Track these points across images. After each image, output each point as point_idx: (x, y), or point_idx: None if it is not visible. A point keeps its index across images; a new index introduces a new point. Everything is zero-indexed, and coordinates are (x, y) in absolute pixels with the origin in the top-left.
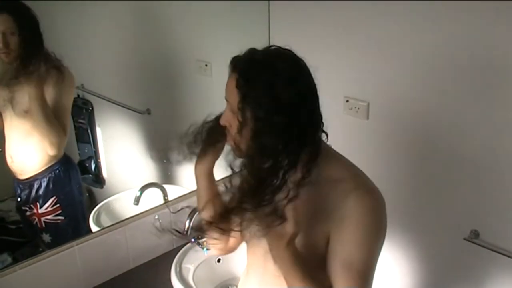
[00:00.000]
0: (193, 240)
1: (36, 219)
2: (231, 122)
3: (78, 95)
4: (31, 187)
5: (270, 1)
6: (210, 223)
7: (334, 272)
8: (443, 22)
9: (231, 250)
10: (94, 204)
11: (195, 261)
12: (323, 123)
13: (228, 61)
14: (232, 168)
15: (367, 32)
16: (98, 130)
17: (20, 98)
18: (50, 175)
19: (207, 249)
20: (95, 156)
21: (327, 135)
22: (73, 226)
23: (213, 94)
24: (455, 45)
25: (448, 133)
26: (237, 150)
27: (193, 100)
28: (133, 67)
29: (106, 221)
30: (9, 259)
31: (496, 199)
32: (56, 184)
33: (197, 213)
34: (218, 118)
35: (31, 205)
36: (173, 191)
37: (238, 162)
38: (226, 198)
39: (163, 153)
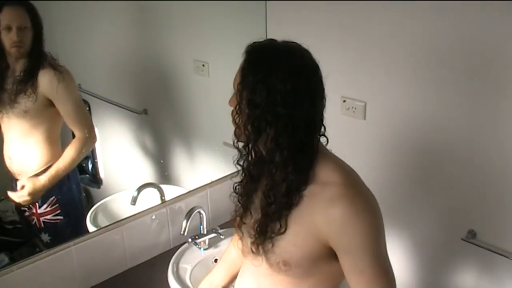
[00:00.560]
0: (190, 240)
1: (35, 219)
2: (234, 104)
3: None
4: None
5: (267, 1)
6: None
7: (351, 282)
8: (441, 22)
9: None
10: (91, 204)
11: (192, 261)
12: (324, 127)
13: (226, 61)
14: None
15: (364, 32)
16: (96, 130)
17: (20, 98)
18: None
19: (204, 249)
20: (92, 156)
21: (327, 140)
22: (72, 226)
23: (211, 94)
24: (453, 45)
25: (446, 133)
26: (235, 133)
27: (190, 100)
28: (130, 67)
29: (103, 221)
30: (7, 259)
31: (493, 199)
32: (55, 185)
33: (194, 212)
34: None
35: (30, 205)
36: (170, 191)
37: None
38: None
39: None
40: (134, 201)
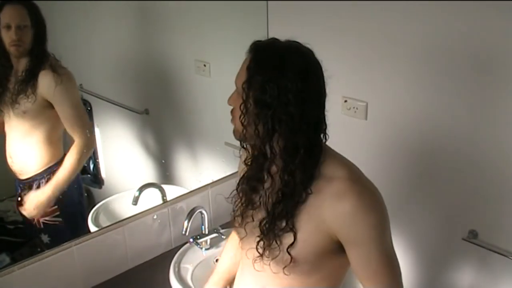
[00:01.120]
0: (191, 240)
1: (35, 220)
2: (235, 103)
3: None
4: (30, 187)
5: (269, 1)
6: None
7: (359, 273)
8: (442, 22)
9: None
10: (92, 204)
11: (193, 261)
12: (326, 125)
13: (227, 61)
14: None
15: (366, 32)
16: (97, 130)
17: (20, 98)
18: (48, 176)
19: (206, 249)
20: (94, 156)
21: (327, 137)
22: (71, 228)
23: (212, 94)
24: (455, 45)
25: (447, 133)
26: (236, 131)
27: (192, 100)
28: (131, 67)
29: (104, 221)
30: (8, 259)
31: (495, 199)
32: None
33: (196, 212)
34: None
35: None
36: (172, 191)
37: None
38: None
39: None
40: (135, 201)
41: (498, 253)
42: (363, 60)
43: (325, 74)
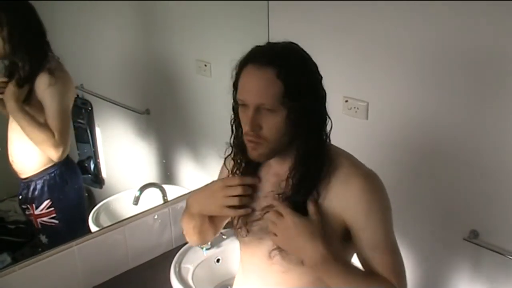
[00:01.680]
0: None
1: (34, 220)
2: (261, 121)
3: (78, 95)
4: (28, 187)
5: (269, 1)
6: None
7: (366, 258)
8: (442, 22)
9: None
10: (93, 204)
11: (194, 261)
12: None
13: (228, 61)
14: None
15: (366, 32)
16: (98, 130)
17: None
18: (45, 178)
19: (207, 249)
20: (95, 156)
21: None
22: (68, 230)
23: (213, 94)
24: (455, 45)
25: (448, 133)
26: (263, 152)
27: (193, 100)
28: (132, 67)
29: (105, 221)
30: (9, 259)
31: (496, 199)
32: (50, 187)
33: None
34: None
35: (28, 205)
36: (173, 191)
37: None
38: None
39: None
40: (136, 201)
41: (499, 253)
42: (364, 60)
43: (325, 74)
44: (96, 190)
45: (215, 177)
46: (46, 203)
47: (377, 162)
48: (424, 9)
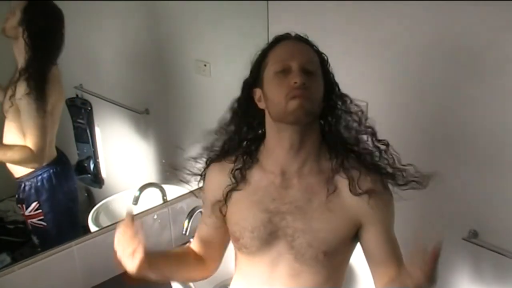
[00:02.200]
0: (192, 240)
1: (25, 220)
2: (308, 81)
3: (77, 95)
4: (19, 187)
5: (269, 1)
6: None
7: (375, 252)
8: (442, 21)
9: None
10: (92, 204)
11: None
12: None
13: (227, 61)
14: None
15: (366, 32)
16: (97, 130)
17: (5, 101)
18: (32, 180)
19: None
20: (94, 156)
21: None
22: (57, 233)
23: (212, 94)
24: (455, 44)
25: (447, 133)
26: (310, 108)
27: (192, 100)
28: (132, 67)
29: (105, 221)
30: (8, 259)
31: (495, 198)
32: (38, 190)
33: (196, 212)
34: None
35: (19, 205)
36: (172, 191)
37: None
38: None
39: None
40: (136, 201)
41: (499, 253)
42: (363, 60)
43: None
44: (95, 190)
45: None
46: (34, 205)
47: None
48: (424, 9)
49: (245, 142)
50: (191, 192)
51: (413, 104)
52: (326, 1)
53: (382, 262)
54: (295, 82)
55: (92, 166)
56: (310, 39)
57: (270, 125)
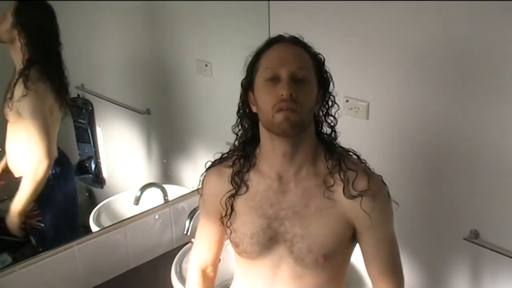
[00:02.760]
0: (193, 240)
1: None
2: (296, 89)
3: (78, 95)
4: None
5: (270, 1)
6: None
7: (373, 259)
8: (443, 22)
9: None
10: (94, 204)
11: None
12: None
13: (228, 61)
14: None
15: (367, 32)
16: (98, 130)
17: (5, 104)
18: None
19: None
20: (95, 156)
21: None
22: (54, 235)
23: (213, 94)
24: (456, 45)
25: (448, 133)
26: (299, 120)
27: (193, 100)
28: (133, 67)
29: (106, 221)
30: (9, 259)
31: (496, 199)
32: None
33: (197, 212)
34: None
35: None
36: (173, 191)
37: None
38: None
39: None
40: (137, 201)
41: (500, 253)
42: (365, 60)
43: (326, 74)
44: (97, 190)
45: None
46: (31, 205)
47: (378, 161)
48: (426, 9)
49: (241, 146)
50: (196, 190)
51: (415, 104)
52: (328, 1)
53: (378, 267)
54: (282, 94)
55: (93, 166)
56: (309, 39)
57: (263, 132)
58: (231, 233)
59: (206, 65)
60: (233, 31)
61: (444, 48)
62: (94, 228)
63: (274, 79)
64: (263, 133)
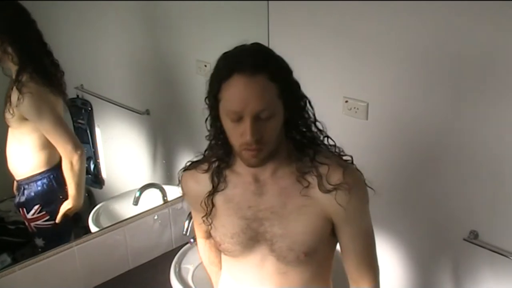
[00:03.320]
0: (192, 240)
1: (27, 223)
2: (261, 128)
3: (78, 95)
4: (19, 190)
5: (269, 1)
6: None
7: (350, 247)
8: (443, 22)
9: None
10: (93, 205)
11: (194, 262)
12: None
13: None
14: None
15: (366, 32)
16: (98, 131)
17: (6, 110)
18: (32, 184)
19: None
20: (95, 156)
21: None
22: (66, 230)
23: None
24: (455, 45)
25: (447, 133)
26: (264, 157)
27: (193, 100)
28: (132, 67)
29: (105, 222)
30: (9, 260)
31: (496, 199)
32: (38, 194)
33: None
34: None
35: (19, 209)
36: (173, 192)
37: None
38: None
39: None
40: (136, 201)
41: (499, 253)
42: (364, 60)
43: (325, 75)
44: (96, 191)
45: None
46: (36, 207)
47: (377, 162)
48: (425, 10)
49: (215, 151)
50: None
51: (414, 104)
52: (327, 1)
53: (354, 260)
54: (247, 139)
55: (92, 166)
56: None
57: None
58: (213, 231)
59: (205, 66)
60: (233, 31)
61: (443, 48)
62: (93, 228)
63: (238, 119)
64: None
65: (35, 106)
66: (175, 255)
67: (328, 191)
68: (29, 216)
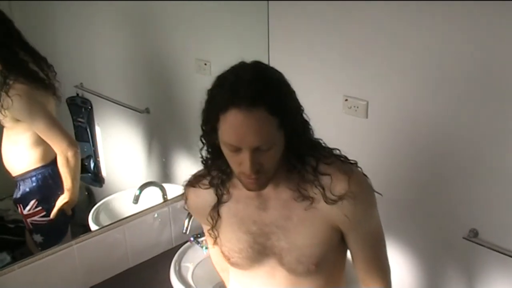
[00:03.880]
0: (192, 239)
1: (24, 220)
2: (260, 158)
3: (77, 94)
4: (15, 186)
5: (269, 1)
6: None
7: (359, 254)
8: (443, 21)
9: None
10: (93, 203)
11: (194, 260)
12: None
13: (228, 60)
14: None
15: (366, 31)
16: (97, 129)
17: None
18: (28, 180)
19: (206, 248)
20: (94, 155)
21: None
22: (63, 225)
23: None
24: (455, 44)
25: (448, 132)
26: (265, 182)
27: (193, 99)
28: (132, 66)
29: (105, 220)
30: (8, 258)
31: (495, 198)
32: (34, 190)
33: None
34: None
35: (17, 205)
36: (173, 190)
37: None
38: None
39: None
40: (136, 199)
41: (499, 251)
42: (364, 58)
43: (325, 73)
44: (96, 189)
45: None
46: (32, 203)
47: (377, 160)
48: (425, 8)
49: (215, 166)
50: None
51: (414, 103)
52: (327, 1)
53: (364, 266)
54: (246, 170)
55: (92, 165)
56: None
57: None
58: (220, 246)
59: (205, 64)
60: (233, 30)
61: (443, 47)
62: (93, 227)
63: (236, 150)
64: None
65: (25, 108)
66: (175, 253)
67: (333, 202)
68: (25, 212)
